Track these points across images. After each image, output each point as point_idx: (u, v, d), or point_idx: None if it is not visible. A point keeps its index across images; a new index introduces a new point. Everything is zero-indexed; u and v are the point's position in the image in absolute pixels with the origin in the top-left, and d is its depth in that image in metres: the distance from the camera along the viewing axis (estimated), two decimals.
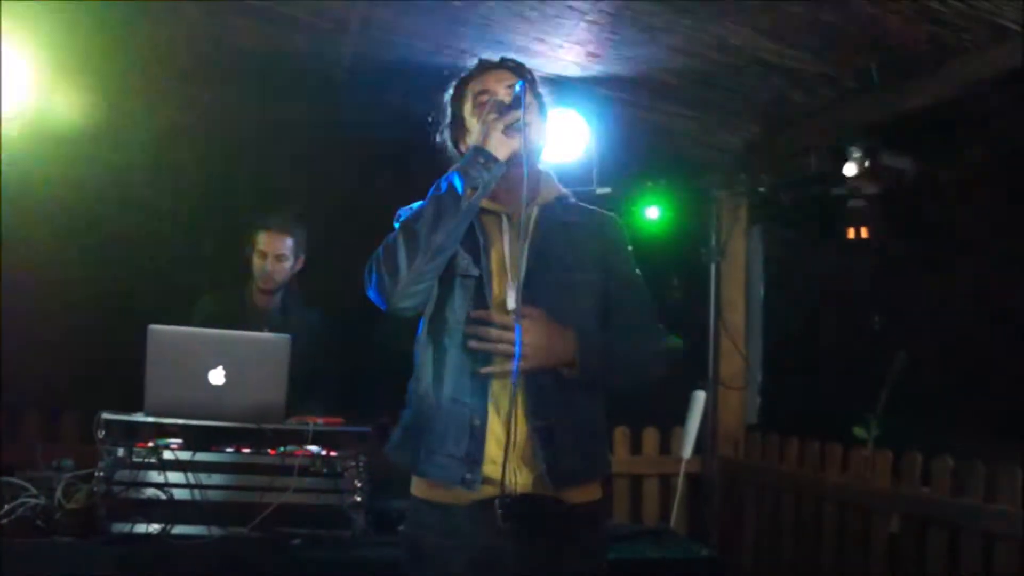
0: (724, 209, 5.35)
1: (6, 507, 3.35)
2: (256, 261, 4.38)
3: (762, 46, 3.83)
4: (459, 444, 2.45)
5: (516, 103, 2.46)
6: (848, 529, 4.38)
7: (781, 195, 5.05)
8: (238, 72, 4.58)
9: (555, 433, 2.46)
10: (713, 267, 5.36)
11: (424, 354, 2.56)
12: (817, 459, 4.65)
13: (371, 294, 2.48)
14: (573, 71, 4.20)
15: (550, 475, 2.45)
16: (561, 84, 4.21)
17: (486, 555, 2.45)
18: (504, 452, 2.42)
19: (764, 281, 5.44)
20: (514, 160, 2.47)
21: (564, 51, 4.03)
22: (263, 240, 4.37)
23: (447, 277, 2.51)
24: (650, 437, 5.27)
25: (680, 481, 5.03)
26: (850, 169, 4.53)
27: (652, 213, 5.23)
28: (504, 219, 2.57)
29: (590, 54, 4.06)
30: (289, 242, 4.38)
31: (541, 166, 2.66)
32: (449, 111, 2.65)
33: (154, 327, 3.40)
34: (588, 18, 3.76)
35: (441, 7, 3.77)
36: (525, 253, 2.52)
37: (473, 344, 2.46)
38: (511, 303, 2.47)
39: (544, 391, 2.47)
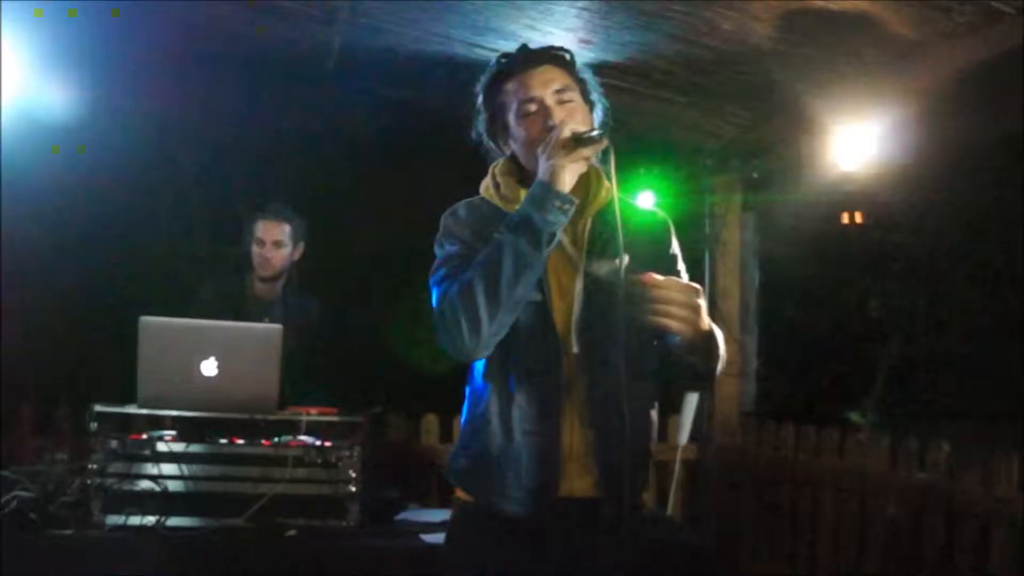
0: (718, 195, 5.33)
1: None
2: (255, 249, 4.39)
3: (754, 31, 3.82)
4: (532, 476, 2.38)
5: (591, 140, 2.28)
6: (845, 515, 4.38)
7: (775, 180, 5.04)
8: (228, 63, 4.56)
9: (617, 449, 2.34)
10: (707, 254, 5.35)
11: (487, 383, 2.44)
12: (813, 445, 4.65)
13: (447, 346, 2.32)
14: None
15: (613, 491, 2.37)
16: None
17: (553, 562, 2.40)
18: (575, 470, 2.37)
19: (759, 267, 5.43)
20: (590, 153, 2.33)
21: (555, 38, 4.00)
22: (260, 228, 4.38)
23: None
24: None
25: (677, 468, 5.03)
26: (843, 154, 4.52)
27: (646, 200, 5.21)
28: (559, 232, 2.36)
29: (582, 40, 4.04)
30: (286, 228, 4.39)
31: (592, 166, 2.49)
32: (484, 109, 2.49)
33: (145, 319, 3.39)
34: (579, 5, 3.74)
35: None
36: (580, 272, 2.42)
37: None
38: (576, 326, 2.38)
39: (608, 408, 2.37)
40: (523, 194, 2.38)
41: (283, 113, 4.96)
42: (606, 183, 2.48)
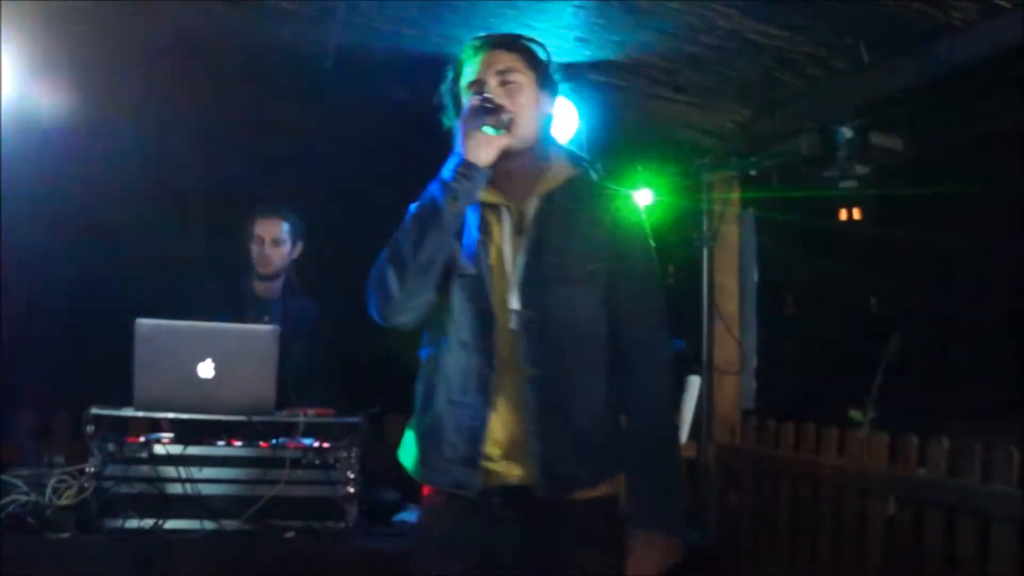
0: (715, 193, 5.32)
1: None
2: (254, 248, 4.40)
3: (750, 27, 3.81)
4: (456, 447, 2.41)
5: (486, 108, 2.37)
6: (845, 512, 4.37)
7: (772, 178, 5.02)
8: (225, 64, 4.55)
9: (553, 435, 2.40)
10: (705, 252, 5.33)
11: (426, 356, 2.52)
12: (813, 443, 4.63)
13: (371, 312, 2.43)
14: (561, 56, 4.17)
15: (544, 478, 2.39)
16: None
17: (488, 552, 2.42)
18: (502, 450, 2.39)
19: (757, 265, 5.42)
20: (510, 153, 2.40)
21: (551, 36, 3.99)
22: (258, 226, 4.39)
23: (446, 277, 2.44)
24: None
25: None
26: (841, 150, 4.51)
27: (643, 198, 5.20)
28: (504, 211, 2.48)
29: (578, 39, 4.04)
30: (284, 226, 4.40)
31: (553, 147, 2.57)
32: (452, 95, 2.55)
33: (141, 321, 3.39)
34: (575, 3, 3.73)
35: None
36: (522, 250, 2.44)
37: None
38: (513, 303, 2.41)
39: (545, 391, 2.40)
40: None
41: (281, 114, 4.95)
42: (565, 166, 2.54)
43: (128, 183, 5.08)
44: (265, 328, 3.55)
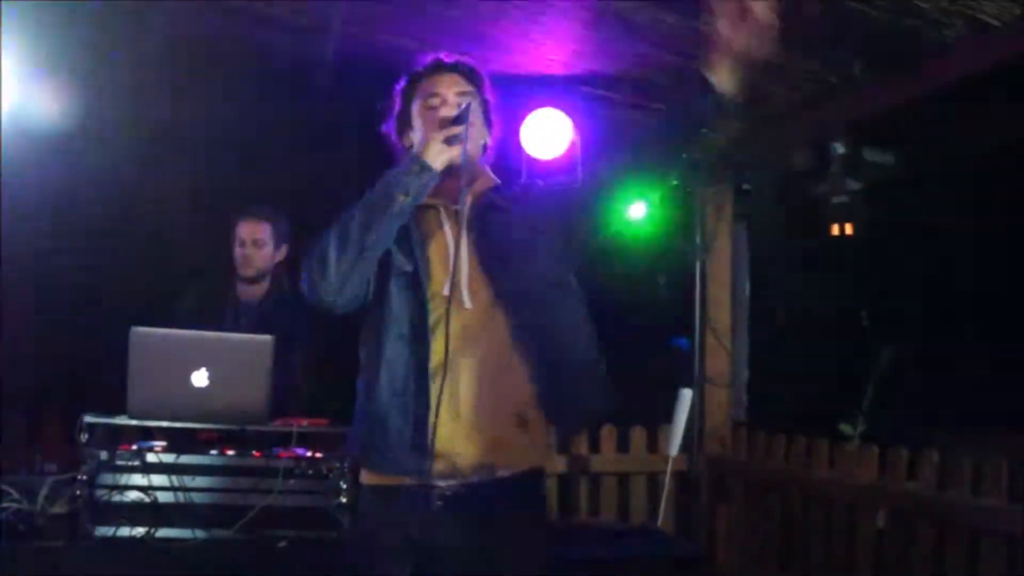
0: (708, 206, 5.34)
1: None
2: (236, 250, 4.36)
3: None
4: (403, 436, 2.52)
5: (460, 120, 2.55)
6: (835, 525, 4.38)
7: (765, 192, 5.05)
8: (223, 71, 4.56)
9: (480, 419, 2.54)
10: (698, 264, 5.35)
11: (366, 351, 2.64)
12: (804, 455, 4.65)
13: (303, 287, 2.58)
14: (556, 68, 4.20)
15: (481, 461, 2.54)
16: (544, 81, 4.20)
17: (428, 531, 2.54)
18: (433, 437, 2.49)
19: (749, 278, 5.44)
20: (450, 166, 2.56)
21: (547, 48, 4.02)
22: (240, 228, 4.36)
23: (384, 276, 2.59)
24: (637, 435, 5.27)
25: (667, 479, 5.03)
26: (834, 165, 4.54)
27: (636, 210, 5.21)
28: (442, 211, 2.65)
29: (573, 52, 4.06)
30: (267, 227, 4.36)
31: (481, 161, 2.76)
32: (398, 103, 2.74)
33: (136, 329, 3.38)
34: (571, 15, 3.75)
35: (424, 4, 3.75)
36: (464, 241, 2.60)
37: None
38: (446, 289, 2.53)
39: (472, 378, 2.54)
40: None
41: (277, 121, 4.95)
42: (489, 176, 2.76)
43: (126, 188, 5.08)
44: (260, 338, 3.54)
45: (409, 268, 2.58)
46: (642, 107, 4.60)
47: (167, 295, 4.51)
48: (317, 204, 5.17)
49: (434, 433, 2.48)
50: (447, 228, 2.63)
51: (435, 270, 2.59)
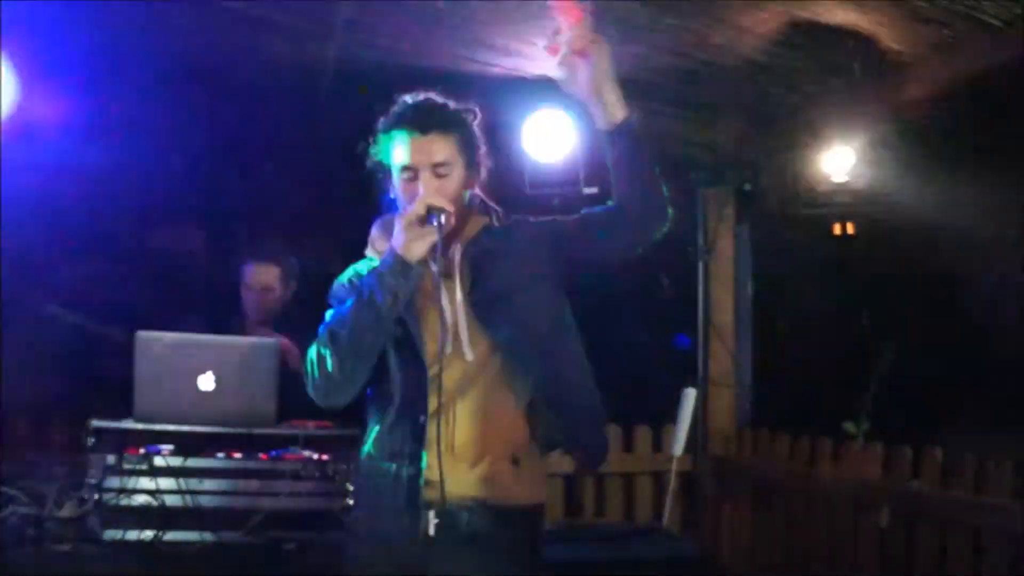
0: (711, 207, 5.35)
1: None
2: (245, 294, 4.31)
3: (746, 43, 3.84)
4: (400, 504, 2.52)
5: (433, 224, 2.43)
6: (839, 524, 4.39)
7: (768, 192, 5.06)
8: (224, 77, 4.57)
9: (474, 457, 2.54)
10: (701, 266, 5.37)
11: (370, 408, 2.67)
12: (807, 455, 4.66)
13: (310, 392, 2.57)
14: (558, 71, 4.19)
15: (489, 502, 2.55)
16: (546, 84, 4.21)
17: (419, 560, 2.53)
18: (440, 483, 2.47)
19: (752, 278, 5.44)
20: (446, 226, 2.48)
21: (548, 51, 4.02)
22: (248, 274, 4.30)
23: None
24: (642, 436, 5.28)
25: (672, 479, 5.04)
26: (835, 165, 4.55)
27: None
28: (429, 265, 2.54)
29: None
30: (275, 271, 4.31)
31: (472, 196, 2.68)
32: (379, 152, 2.64)
33: (142, 333, 3.40)
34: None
35: (424, 8, 3.76)
36: (457, 294, 2.56)
37: None
38: (448, 347, 2.52)
39: (467, 420, 2.55)
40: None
41: (278, 128, 4.96)
42: (477, 218, 2.67)
43: (122, 194, 5.08)
44: (266, 341, 3.56)
45: (399, 332, 2.54)
46: (643, 109, 4.60)
47: (175, 300, 4.51)
48: (319, 211, 5.22)
49: (429, 474, 2.49)
50: (438, 282, 2.54)
51: (429, 327, 2.55)
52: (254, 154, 5.19)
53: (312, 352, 2.54)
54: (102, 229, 5.13)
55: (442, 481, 2.45)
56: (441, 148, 2.54)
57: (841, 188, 4.65)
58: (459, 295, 2.57)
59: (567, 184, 4.50)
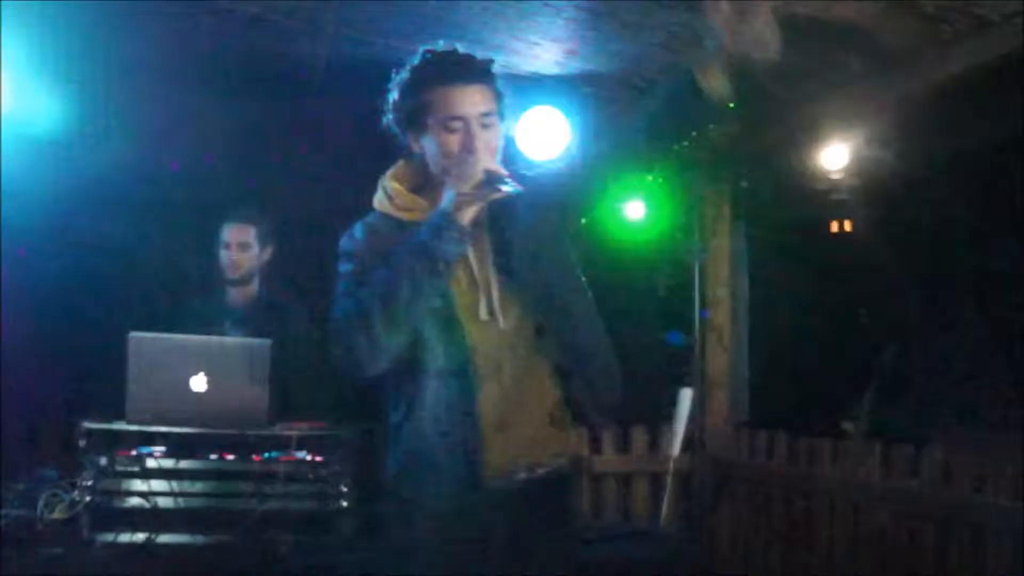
0: (708, 205, 5.33)
1: None
2: (222, 253, 4.37)
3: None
4: (452, 470, 2.47)
5: (500, 188, 2.35)
6: (838, 524, 4.37)
7: (765, 190, 5.04)
8: (217, 76, 4.56)
9: (519, 425, 2.50)
10: (697, 264, 5.35)
11: (401, 386, 2.53)
12: (805, 454, 4.64)
13: (343, 362, 2.43)
14: (552, 68, 4.19)
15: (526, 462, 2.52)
16: (540, 81, 4.20)
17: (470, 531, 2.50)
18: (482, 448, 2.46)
19: (749, 277, 5.43)
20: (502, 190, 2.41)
21: (542, 48, 4.02)
22: (225, 232, 4.37)
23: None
24: (639, 435, 5.26)
25: (669, 479, 5.01)
26: (832, 163, 4.53)
27: (634, 210, 5.21)
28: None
29: (568, 51, 4.05)
30: (251, 230, 4.37)
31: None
32: (405, 102, 2.50)
33: (134, 334, 3.38)
34: (566, 15, 3.74)
35: (416, 6, 3.76)
36: (488, 259, 2.51)
37: None
38: (483, 313, 2.47)
39: (509, 388, 2.50)
40: (418, 202, 2.51)
41: (271, 126, 4.95)
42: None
43: (114, 194, 5.07)
44: (258, 341, 3.53)
45: (439, 303, 2.45)
46: (637, 106, 4.60)
47: (167, 300, 4.51)
48: (309, 209, 5.20)
49: (481, 449, 2.46)
50: (467, 248, 2.47)
51: (462, 293, 2.49)
52: (246, 149, 5.18)
53: (346, 324, 2.40)
54: (97, 223, 5.11)
55: (485, 447, 2.45)
56: (484, 97, 2.45)
57: (839, 186, 4.63)
58: (489, 260, 2.51)
59: (560, 181, 4.48)
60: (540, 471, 2.55)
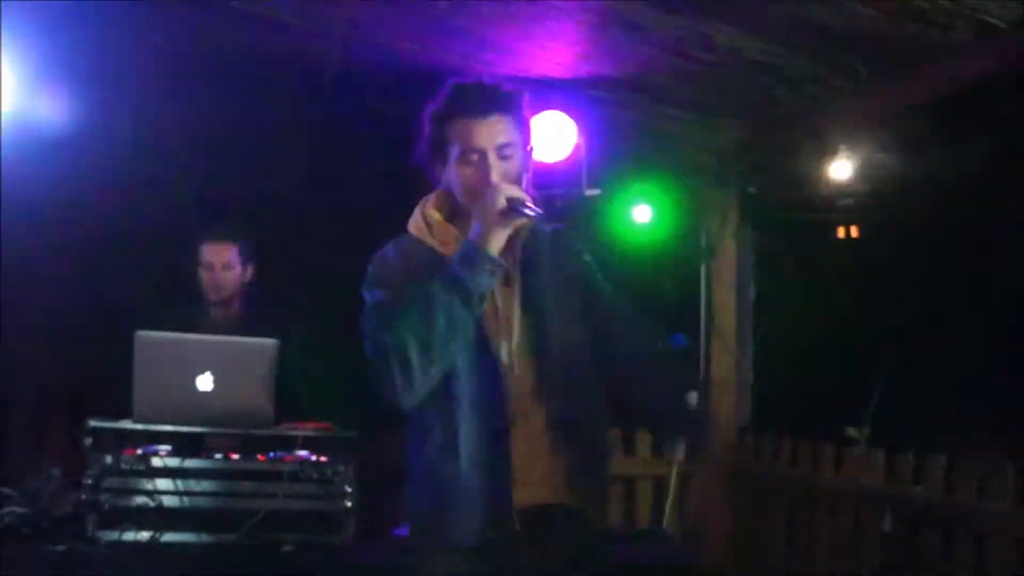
0: (714, 210, 5.33)
1: None
2: (203, 274, 4.22)
3: (750, 45, 3.83)
4: (487, 507, 2.45)
5: (525, 214, 2.34)
6: (841, 529, 4.37)
7: (771, 195, 5.04)
8: (227, 77, 4.56)
9: (578, 470, 2.51)
10: (703, 268, 5.35)
11: (432, 418, 2.50)
12: (810, 459, 4.64)
13: (383, 394, 2.41)
14: (561, 72, 4.19)
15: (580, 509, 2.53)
16: (549, 85, 4.20)
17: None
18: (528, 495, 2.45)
19: (755, 281, 5.43)
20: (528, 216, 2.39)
21: (551, 52, 4.02)
22: (206, 252, 4.21)
23: None
24: (644, 439, 5.26)
25: (673, 483, 5.00)
26: (839, 168, 4.53)
27: (641, 214, 5.22)
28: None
29: (578, 55, 4.05)
30: (233, 249, 4.21)
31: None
32: (430, 135, 2.50)
33: (141, 333, 3.38)
34: (575, 18, 3.74)
35: (427, 8, 3.75)
36: (517, 298, 2.50)
37: None
38: (504, 356, 2.46)
39: (563, 431, 2.50)
40: (452, 232, 2.49)
41: (282, 127, 4.95)
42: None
43: (122, 193, 5.07)
44: (265, 341, 3.53)
45: (472, 333, 2.42)
46: (647, 111, 4.60)
47: (175, 301, 4.48)
48: (318, 210, 5.21)
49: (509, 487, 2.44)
50: (501, 285, 2.48)
51: (492, 329, 2.47)
52: (256, 154, 5.18)
53: (383, 358, 2.37)
54: (104, 226, 5.12)
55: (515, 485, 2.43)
56: (503, 129, 2.43)
57: (845, 191, 4.63)
58: (517, 302, 2.50)
59: (569, 185, 4.49)
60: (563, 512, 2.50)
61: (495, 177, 2.40)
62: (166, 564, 3.26)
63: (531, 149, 2.55)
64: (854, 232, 5.12)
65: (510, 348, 2.47)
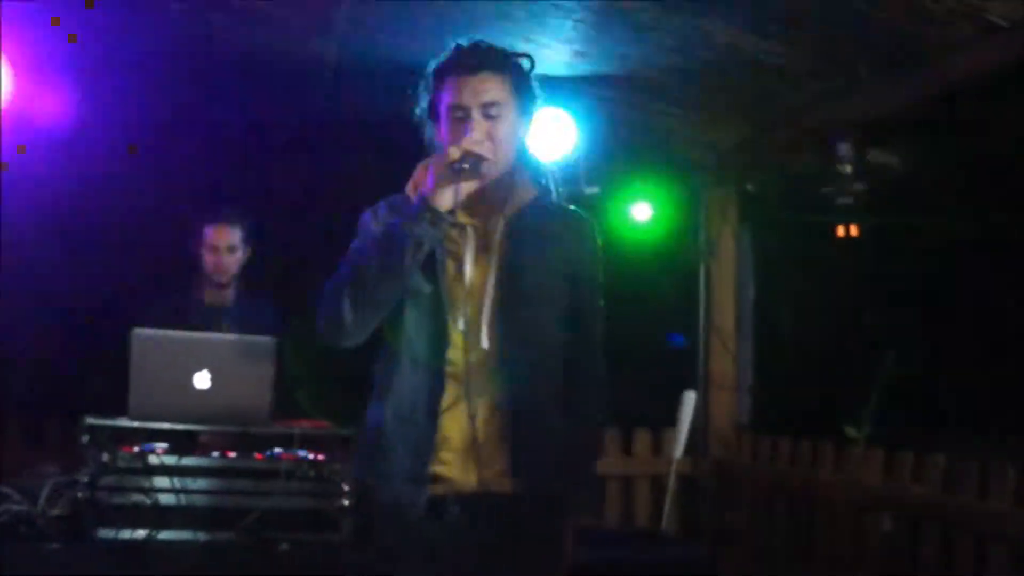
0: (713, 208, 5.33)
1: None
2: (207, 256, 4.26)
3: (750, 43, 3.82)
4: (403, 464, 2.43)
5: (470, 170, 2.31)
6: (840, 529, 4.36)
7: (770, 193, 5.04)
8: (226, 73, 4.56)
9: (524, 448, 2.44)
10: (702, 267, 5.34)
11: (380, 373, 2.53)
12: (808, 459, 4.63)
13: (319, 330, 2.44)
14: (560, 70, 4.18)
15: (516, 485, 2.46)
16: (548, 83, 4.18)
17: (442, 554, 2.46)
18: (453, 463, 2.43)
19: (754, 280, 5.42)
20: (483, 174, 2.35)
21: (551, 50, 4.01)
22: (212, 234, 4.25)
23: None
24: (642, 438, 5.25)
25: (671, 482, 5.01)
26: (839, 166, 4.52)
27: (640, 212, 5.21)
28: (469, 230, 2.47)
29: (577, 53, 4.04)
30: (238, 232, 4.27)
31: (519, 167, 2.55)
32: (426, 93, 2.50)
33: (138, 331, 3.37)
34: (575, 16, 3.74)
35: (426, 6, 3.74)
36: (492, 269, 2.45)
37: None
38: (460, 324, 2.42)
39: (513, 409, 2.45)
40: None
41: (281, 123, 4.95)
42: (529, 187, 2.55)
43: (118, 190, 5.07)
44: (262, 339, 3.52)
45: (428, 289, 2.42)
46: (646, 108, 4.59)
47: (171, 297, 4.47)
48: (319, 207, 5.21)
49: (445, 460, 2.42)
50: (472, 249, 2.45)
51: (457, 297, 2.43)
52: (255, 149, 5.17)
53: (329, 287, 2.40)
54: (101, 223, 5.11)
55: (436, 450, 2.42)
56: (491, 87, 2.40)
57: (845, 190, 4.62)
58: (492, 278, 2.45)
59: (567, 183, 4.48)
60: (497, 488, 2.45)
61: (477, 134, 2.37)
62: (163, 562, 3.25)
63: (531, 113, 2.51)
64: (854, 231, 5.11)
65: (470, 318, 2.42)
